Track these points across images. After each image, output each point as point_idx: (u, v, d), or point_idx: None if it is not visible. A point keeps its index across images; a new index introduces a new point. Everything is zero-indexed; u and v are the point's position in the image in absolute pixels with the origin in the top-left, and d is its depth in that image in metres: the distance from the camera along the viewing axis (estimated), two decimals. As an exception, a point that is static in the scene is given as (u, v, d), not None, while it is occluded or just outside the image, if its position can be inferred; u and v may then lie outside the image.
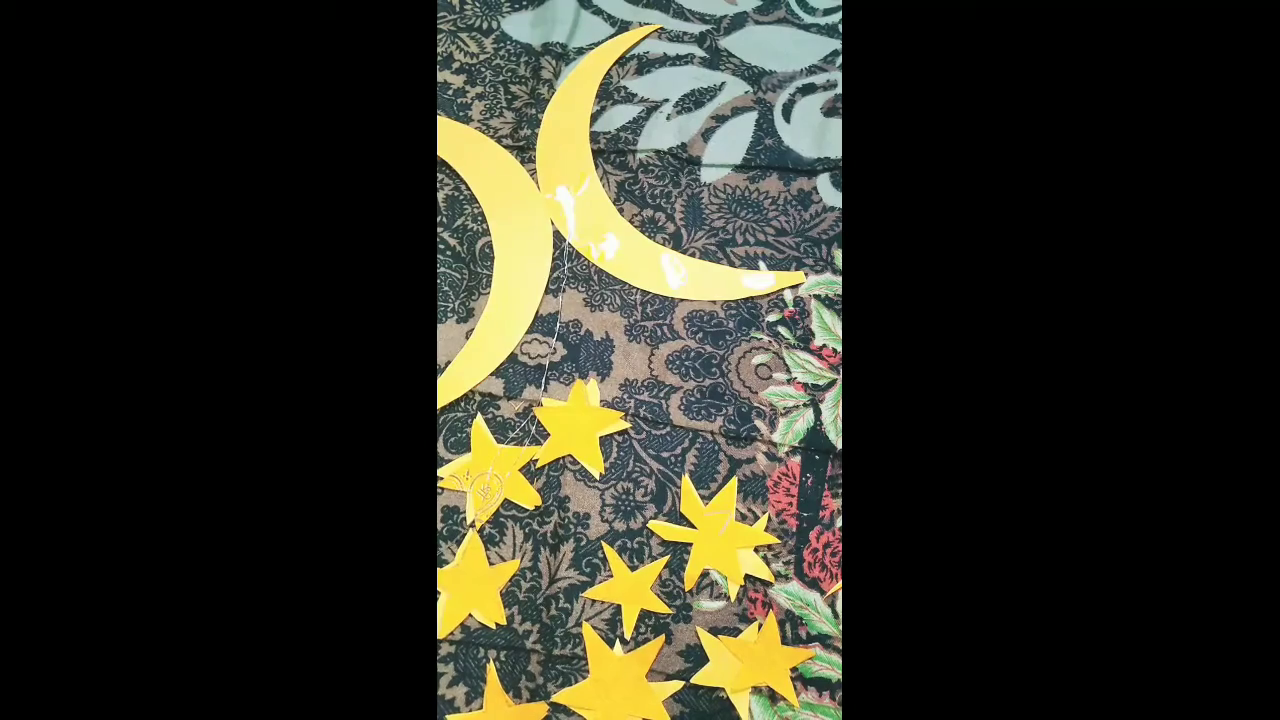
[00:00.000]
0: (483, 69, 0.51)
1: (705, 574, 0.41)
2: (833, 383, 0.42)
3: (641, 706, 0.38)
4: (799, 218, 0.46)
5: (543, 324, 0.45)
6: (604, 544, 0.41)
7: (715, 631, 0.39)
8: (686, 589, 0.40)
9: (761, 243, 0.46)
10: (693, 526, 0.41)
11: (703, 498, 0.42)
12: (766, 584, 0.40)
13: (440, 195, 0.47)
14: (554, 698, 0.39)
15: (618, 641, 0.40)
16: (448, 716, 0.39)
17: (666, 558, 0.41)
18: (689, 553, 0.41)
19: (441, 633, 0.40)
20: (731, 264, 0.45)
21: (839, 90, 0.48)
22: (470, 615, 0.40)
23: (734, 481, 0.42)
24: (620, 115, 0.49)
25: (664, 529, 0.41)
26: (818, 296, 0.44)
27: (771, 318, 0.44)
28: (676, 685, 0.39)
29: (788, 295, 0.45)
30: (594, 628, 0.40)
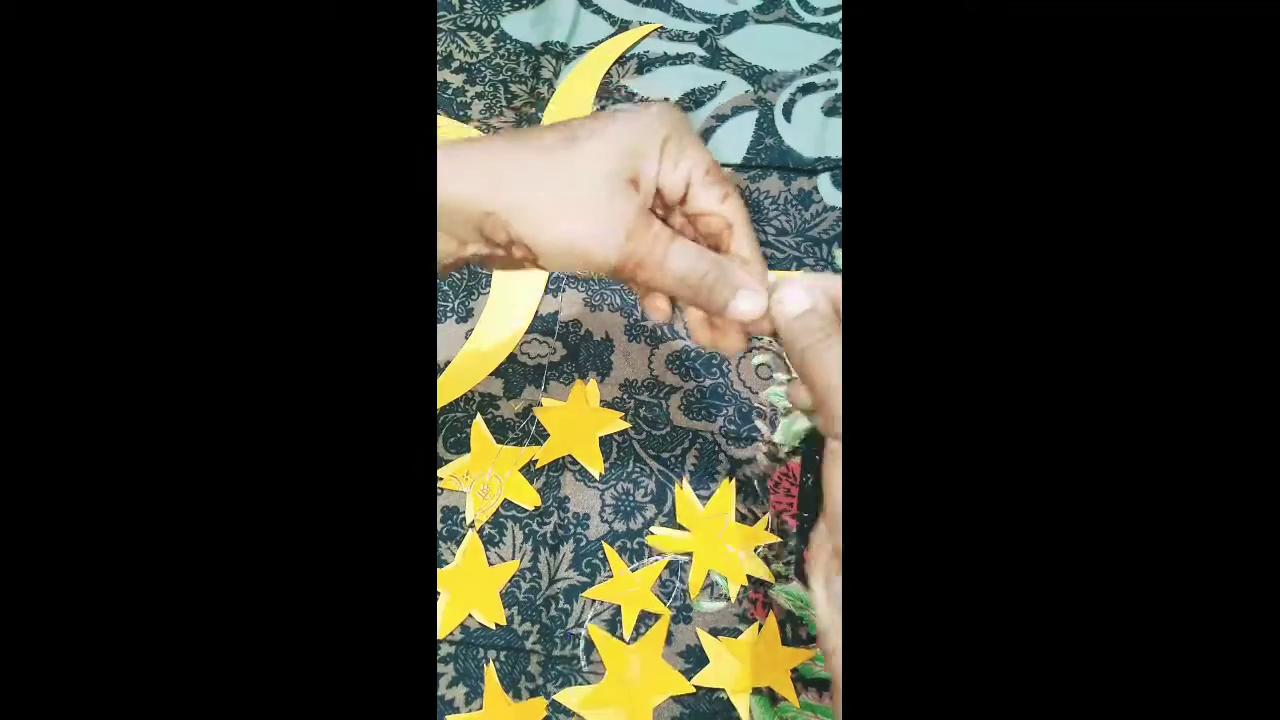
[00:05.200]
0: (482, 68, 0.51)
1: (705, 575, 0.41)
2: (833, 383, 0.42)
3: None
4: (799, 217, 0.46)
5: (542, 324, 0.45)
6: (604, 544, 0.41)
7: (715, 632, 0.39)
8: (693, 596, 0.40)
9: (762, 242, 0.45)
10: (688, 532, 0.41)
11: (702, 498, 0.42)
12: (766, 585, 0.40)
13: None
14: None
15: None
16: (448, 717, 0.39)
17: (667, 559, 0.41)
18: (690, 554, 0.41)
19: (442, 633, 0.40)
20: (732, 264, 0.45)
21: (839, 90, 0.48)
22: (470, 615, 0.40)
23: (730, 482, 0.42)
24: (620, 115, 0.49)
25: (662, 541, 0.41)
26: (818, 296, 0.44)
27: (772, 317, 0.44)
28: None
29: (788, 295, 0.45)
30: (595, 628, 0.40)
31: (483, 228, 0.26)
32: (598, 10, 0.52)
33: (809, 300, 0.27)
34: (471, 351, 0.45)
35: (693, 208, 0.28)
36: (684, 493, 0.42)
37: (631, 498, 0.42)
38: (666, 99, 0.33)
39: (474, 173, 0.26)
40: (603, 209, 0.26)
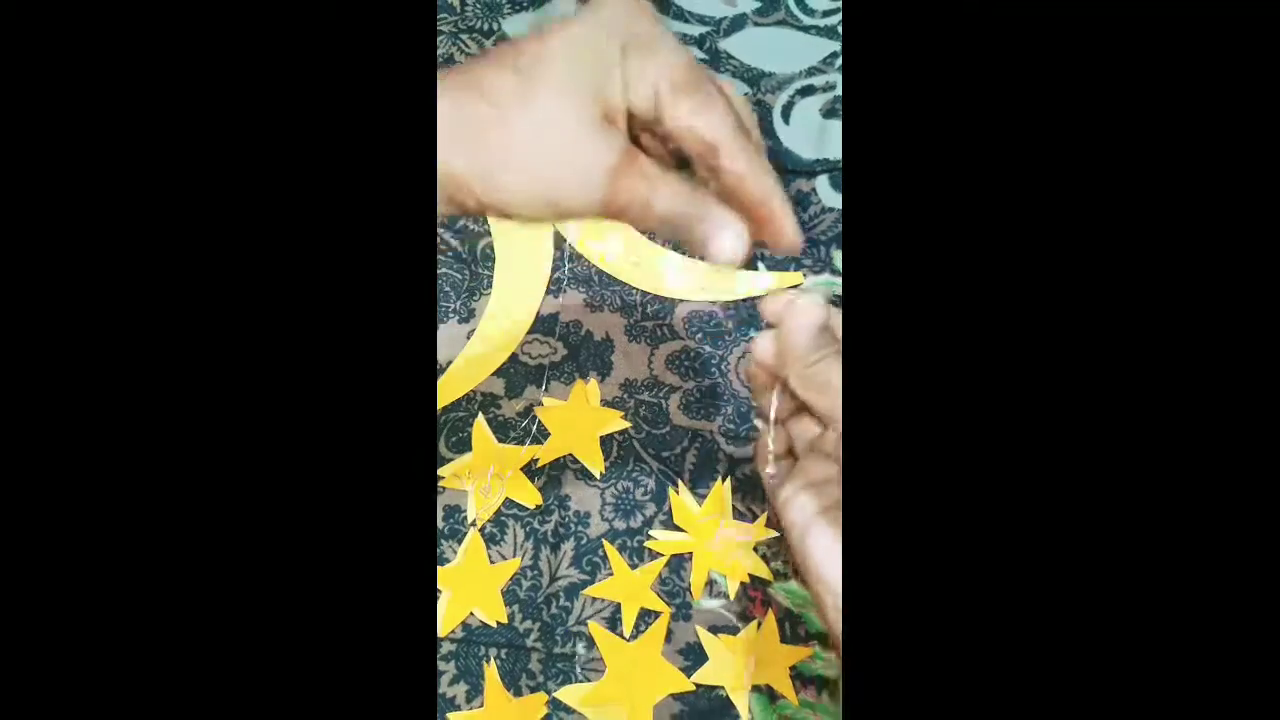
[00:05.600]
0: (484, 70, 0.51)
1: (705, 574, 0.41)
2: (832, 382, 0.43)
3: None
4: (798, 219, 0.46)
5: (543, 324, 0.46)
6: (605, 542, 0.41)
7: (714, 630, 0.40)
8: (695, 598, 0.40)
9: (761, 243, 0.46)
10: (686, 534, 0.42)
11: (701, 497, 0.42)
12: (765, 582, 0.40)
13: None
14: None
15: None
16: (448, 715, 0.39)
17: (666, 557, 0.41)
18: (689, 553, 0.41)
19: (443, 631, 0.40)
20: (731, 264, 0.46)
21: (838, 92, 0.48)
22: (471, 613, 0.41)
23: (725, 483, 0.42)
24: (620, 116, 0.49)
25: (662, 545, 0.41)
26: (817, 297, 0.44)
27: (771, 318, 0.45)
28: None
29: (787, 295, 0.45)
30: (595, 625, 0.40)
31: (451, 194, 0.24)
32: (598, 12, 0.52)
33: (824, 314, 0.26)
34: (473, 351, 0.45)
35: (667, 127, 0.24)
36: (679, 497, 0.42)
37: (631, 496, 0.42)
38: None
39: (441, 128, 0.23)
40: (576, 155, 0.23)
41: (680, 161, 0.26)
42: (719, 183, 0.25)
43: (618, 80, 0.23)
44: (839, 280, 0.44)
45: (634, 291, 0.46)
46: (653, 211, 0.24)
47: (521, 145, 0.23)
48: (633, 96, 0.23)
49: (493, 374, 0.45)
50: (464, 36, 0.52)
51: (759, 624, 0.39)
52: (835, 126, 0.47)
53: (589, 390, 0.44)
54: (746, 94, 0.49)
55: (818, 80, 0.49)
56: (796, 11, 0.51)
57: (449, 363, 0.45)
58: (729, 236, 0.25)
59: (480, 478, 0.43)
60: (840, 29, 0.50)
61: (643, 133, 0.25)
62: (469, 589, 0.41)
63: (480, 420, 0.44)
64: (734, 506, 0.42)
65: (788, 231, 0.26)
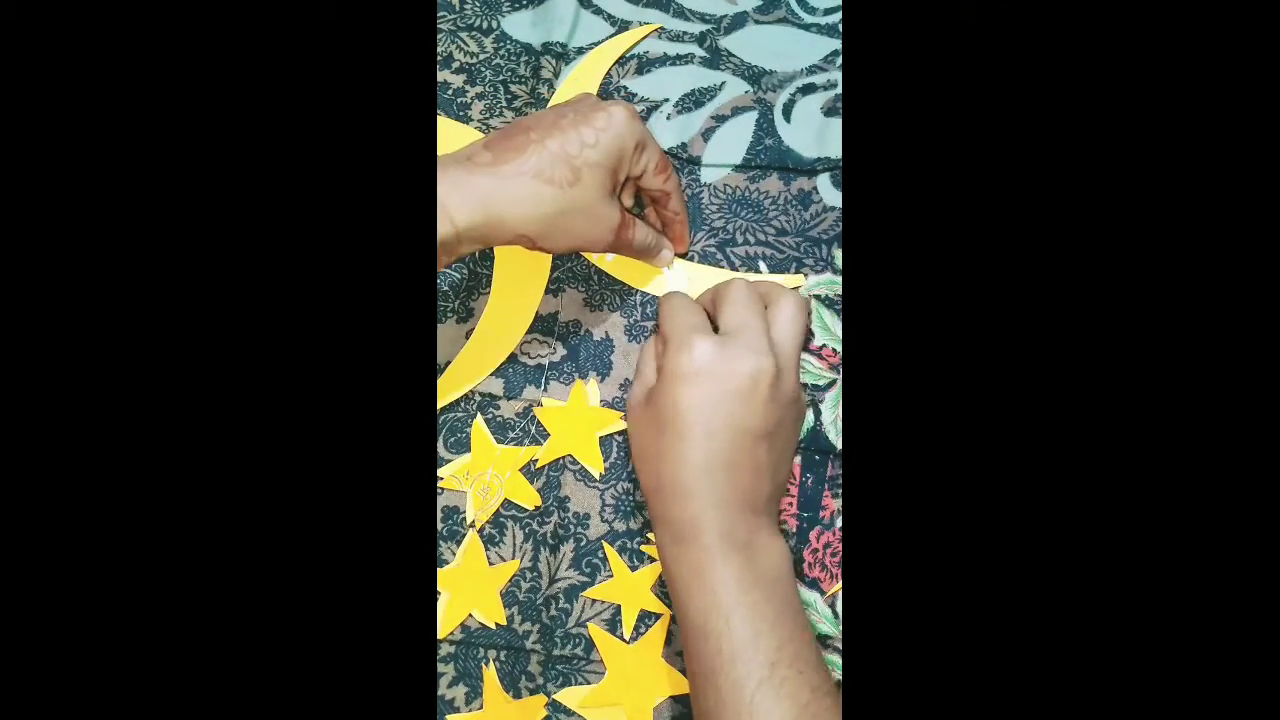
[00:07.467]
0: (483, 68, 0.51)
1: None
2: (833, 383, 0.42)
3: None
4: (799, 218, 0.46)
5: (542, 324, 0.45)
6: (605, 544, 0.41)
7: (715, 631, 0.39)
8: None
9: (761, 242, 0.46)
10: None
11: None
12: (766, 584, 0.40)
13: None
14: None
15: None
16: (448, 717, 0.39)
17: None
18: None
19: (442, 633, 0.40)
20: (731, 264, 0.45)
21: (839, 90, 0.48)
22: (470, 615, 0.41)
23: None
24: (620, 115, 0.49)
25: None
26: (818, 297, 0.44)
27: (771, 318, 0.44)
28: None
29: (788, 295, 0.45)
30: (595, 627, 0.40)
31: (510, 239, 0.37)
32: (597, 10, 0.52)
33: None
34: (471, 351, 0.45)
35: (644, 185, 0.42)
36: None
37: (632, 497, 0.42)
38: (626, 101, 0.42)
39: (514, 205, 0.36)
40: (598, 219, 0.39)
41: (636, 202, 0.46)
42: (662, 215, 0.44)
43: (626, 165, 0.39)
44: (839, 280, 0.44)
45: (634, 291, 0.45)
46: (633, 244, 0.42)
47: (569, 213, 0.37)
48: (632, 171, 0.40)
49: (491, 374, 0.45)
50: (463, 34, 0.52)
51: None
52: (836, 125, 0.47)
53: (588, 390, 0.44)
54: (748, 91, 0.49)
55: (819, 78, 0.48)
56: (797, 9, 0.50)
57: (448, 363, 0.45)
58: (666, 252, 0.44)
59: (479, 479, 0.43)
60: (841, 27, 0.49)
61: (622, 190, 0.43)
62: (468, 591, 0.41)
63: (479, 421, 0.44)
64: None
65: (687, 242, 0.45)
